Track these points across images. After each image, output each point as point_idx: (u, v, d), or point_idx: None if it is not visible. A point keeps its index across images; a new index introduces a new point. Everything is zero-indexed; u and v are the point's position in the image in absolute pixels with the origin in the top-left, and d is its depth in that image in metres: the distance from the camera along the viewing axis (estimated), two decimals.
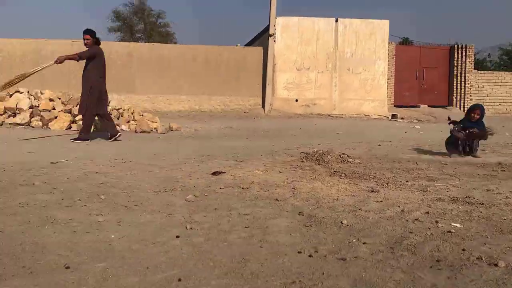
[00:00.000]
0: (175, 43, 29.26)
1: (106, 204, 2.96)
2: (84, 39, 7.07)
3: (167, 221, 2.65)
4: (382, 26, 17.33)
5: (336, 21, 17.18)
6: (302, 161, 5.06)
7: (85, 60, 7.07)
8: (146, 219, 2.67)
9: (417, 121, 15.39)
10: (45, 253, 2.07)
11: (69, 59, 7.11)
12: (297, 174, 4.26)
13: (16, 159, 4.89)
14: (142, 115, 10.05)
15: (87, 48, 7.07)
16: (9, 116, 9.01)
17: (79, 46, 15.45)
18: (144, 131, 8.92)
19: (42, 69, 7.49)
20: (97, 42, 7.15)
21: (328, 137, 8.79)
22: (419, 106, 18.43)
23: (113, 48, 16.07)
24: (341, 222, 2.70)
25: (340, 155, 5.31)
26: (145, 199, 3.13)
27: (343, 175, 4.27)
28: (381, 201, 3.27)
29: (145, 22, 31.22)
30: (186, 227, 2.53)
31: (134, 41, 25.81)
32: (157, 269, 1.95)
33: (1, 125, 8.75)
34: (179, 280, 1.84)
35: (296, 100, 17.07)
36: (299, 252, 2.19)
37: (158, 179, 3.83)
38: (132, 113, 9.93)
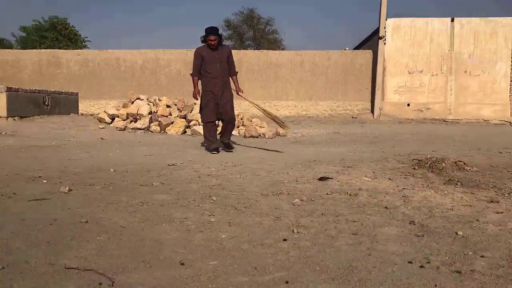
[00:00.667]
0: (283, 49, 29.74)
1: (217, 205, 3.11)
2: (211, 41, 6.21)
3: (274, 224, 2.70)
4: (504, 24, 15.84)
5: (452, 20, 16.12)
6: (414, 168, 4.81)
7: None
8: (254, 221, 2.74)
9: None
10: (162, 249, 2.23)
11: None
12: (408, 182, 4.07)
13: (138, 160, 5.35)
14: (251, 121, 10.37)
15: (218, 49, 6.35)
16: (131, 122, 9.89)
17: (192, 54, 16.50)
18: (252, 136, 9.20)
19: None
20: (221, 38, 6.45)
21: (443, 143, 8.25)
22: None
23: None
24: (456, 233, 2.51)
25: (455, 163, 4.95)
26: (254, 202, 3.22)
27: (459, 183, 3.97)
28: (502, 212, 2.98)
29: (254, 30, 32.22)
30: (293, 231, 2.55)
31: (244, 49, 26.77)
32: (265, 270, 2.00)
33: (124, 129, 9.63)
34: (286, 282, 1.86)
35: (408, 105, 16.31)
36: (410, 262, 2.09)
37: (265, 183, 3.92)
38: (242, 119, 10.29)
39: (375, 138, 9.50)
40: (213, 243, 2.34)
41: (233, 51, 19.19)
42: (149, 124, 9.73)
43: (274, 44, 31.69)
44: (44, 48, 22.07)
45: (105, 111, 10.58)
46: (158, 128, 9.56)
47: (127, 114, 9.98)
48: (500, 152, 6.59)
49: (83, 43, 29.28)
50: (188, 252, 2.20)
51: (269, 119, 7.44)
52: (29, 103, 9.83)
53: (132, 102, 10.33)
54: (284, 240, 2.40)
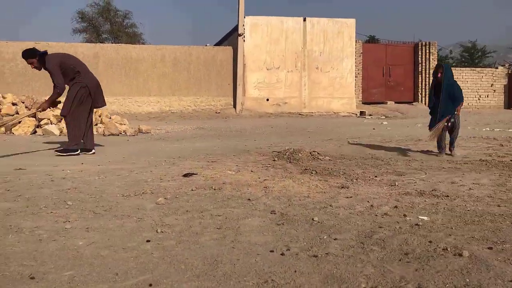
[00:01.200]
0: (143, 43, 28.85)
1: (73, 210, 2.89)
2: (30, 64, 5.78)
3: (137, 225, 2.61)
4: (349, 25, 17.58)
5: (304, 20, 17.33)
6: (274, 160, 5.07)
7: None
8: (115, 225, 2.61)
9: (384, 117, 15.67)
10: (8, 264, 2.00)
11: (51, 100, 5.90)
12: (269, 173, 4.27)
13: None
14: (110, 118, 9.88)
15: (45, 69, 5.76)
16: None
17: (42, 48, 15.08)
18: (112, 134, 8.76)
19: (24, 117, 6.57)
20: (42, 55, 5.79)
21: (299, 135, 8.85)
22: (386, 103, 18.81)
23: (78, 50, 15.74)
24: (313, 219, 2.71)
25: (310, 153, 5.35)
26: (114, 204, 3.06)
27: (314, 172, 4.30)
28: (351, 196, 3.31)
29: (112, 23, 30.65)
30: (157, 231, 2.49)
31: (100, 42, 25.30)
32: (127, 275, 1.91)
33: None
34: (150, 285, 1.81)
35: (267, 100, 17.12)
36: (271, 251, 2.19)
37: (127, 183, 3.76)
38: (100, 116, 9.74)
39: (238, 132, 9.79)
40: (69, 251, 2.17)
41: (89, 45, 18.01)
42: None
43: (134, 38, 30.53)
44: None
45: None
46: (3, 129, 8.54)
47: None
48: (348, 142, 7.31)
49: None
50: (39, 264, 2.00)
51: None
52: None
53: None
54: (148, 241, 2.33)
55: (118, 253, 2.16)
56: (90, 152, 5.85)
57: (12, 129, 8.51)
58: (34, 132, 8.63)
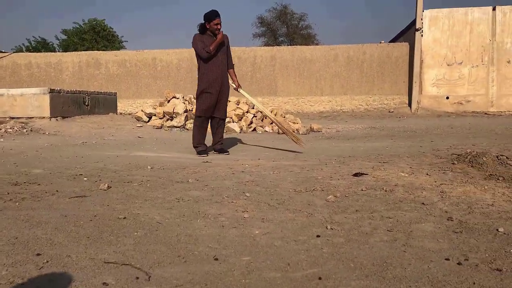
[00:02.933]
0: (317, 44, 29.48)
1: (251, 202, 3.13)
2: (218, 25, 5.56)
3: (308, 220, 2.70)
4: None
5: (494, 9, 15.50)
6: (453, 163, 4.68)
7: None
8: (287, 218, 2.75)
9: None
10: (197, 245, 2.27)
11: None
12: (447, 177, 3.96)
13: (173, 158, 5.45)
14: (284, 117, 10.35)
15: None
16: (167, 120, 10.08)
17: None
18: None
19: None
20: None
21: (484, 137, 7.97)
22: None
23: (257, 53, 16.88)
24: (497, 230, 2.43)
25: (497, 157, 4.77)
26: (287, 198, 3.22)
27: (500, 178, 3.83)
28: None
29: (288, 26, 32.08)
30: (326, 227, 2.54)
31: (277, 45, 26.71)
32: (298, 266, 2.00)
33: (161, 127, 9.83)
34: (319, 278, 1.86)
35: (447, 98, 15.85)
36: (447, 259, 2.04)
37: (299, 179, 3.91)
38: (275, 115, 10.29)
39: (413, 132, 9.29)
40: (247, 239, 2.36)
41: (266, 48, 19.16)
42: (185, 122, 9.88)
43: (308, 39, 31.45)
44: (84, 50, 22.76)
45: (142, 110, 10.82)
46: None
47: (164, 112, 10.16)
48: None
49: (121, 44, 29.99)
50: (222, 248, 2.23)
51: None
52: (70, 104, 10.17)
53: (168, 101, 10.51)
54: (318, 236, 2.39)
55: (290, 245, 2.28)
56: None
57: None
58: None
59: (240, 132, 9.30)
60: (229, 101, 10.27)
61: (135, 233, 2.45)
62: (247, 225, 2.60)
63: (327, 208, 2.96)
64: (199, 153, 5.80)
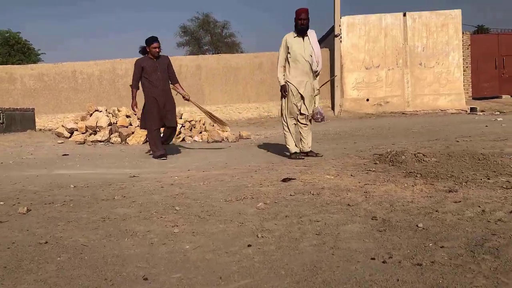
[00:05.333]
0: (241, 52, 29.81)
1: (180, 215, 3.07)
2: (155, 48, 6.41)
3: (239, 230, 2.70)
4: (454, 16, 16.47)
5: (404, 15, 16.61)
6: (375, 163, 4.92)
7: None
8: (219, 229, 2.73)
9: (499, 113, 14.38)
10: (124, 265, 2.19)
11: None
12: (370, 177, 4.15)
13: (98, 174, 5.23)
14: (213, 125, 10.32)
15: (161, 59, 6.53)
16: (90, 134, 9.66)
17: None
18: (215, 141, 9.17)
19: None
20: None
21: (402, 136, 8.48)
22: (500, 97, 17.25)
23: (183, 62, 16.73)
24: (417, 226, 2.58)
25: (415, 155, 5.09)
26: (218, 209, 3.20)
27: (418, 175, 4.09)
28: (460, 201, 3.09)
29: (211, 34, 32.14)
30: (257, 236, 2.56)
31: (202, 53, 26.67)
32: (230, 278, 1.99)
33: (84, 142, 9.41)
34: None
35: (367, 100, 16.67)
36: (373, 259, 2.13)
37: (229, 188, 3.91)
38: (204, 124, 10.24)
39: (337, 135, 9.66)
40: (177, 255, 2.32)
41: (191, 57, 18.98)
42: (109, 135, 9.53)
43: (232, 47, 31.73)
44: None
45: (63, 126, 10.28)
46: (119, 139, 9.38)
47: (86, 127, 9.74)
48: (457, 141, 6.83)
49: (37, 56, 28.40)
50: (151, 266, 2.17)
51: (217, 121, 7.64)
52: None
53: (91, 115, 10.09)
54: (249, 246, 2.40)
55: (221, 257, 2.26)
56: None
57: (127, 139, 9.30)
58: (146, 141, 9.34)
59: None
60: None
61: (58, 258, 2.31)
62: (177, 240, 2.55)
63: (257, 216, 2.98)
64: (159, 156, 6.41)
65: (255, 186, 3.95)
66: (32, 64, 19.08)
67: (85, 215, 3.20)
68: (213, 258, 2.25)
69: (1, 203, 3.74)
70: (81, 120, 10.11)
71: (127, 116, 9.92)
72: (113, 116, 9.98)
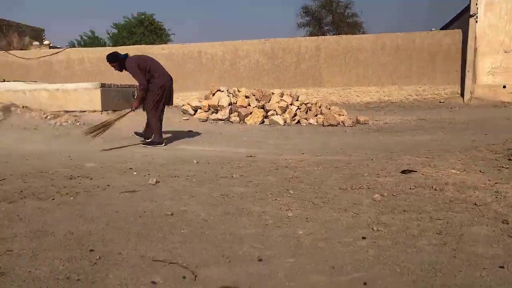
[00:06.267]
0: (363, 32, 28.77)
1: (295, 199, 3.12)
2: (112, 67, 6.58)
3: (353, 220, 2.66)
4: None
5: None
6: (509, 159, 4.45)
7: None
8: (332, 217, 2.72)
9: None
10: (241, 244, 2.29)
11: (139, 98, 6.50)
12: (502, 175, 3.77)
13: (219, 152, 5.52)
14: (329, 109, 10.21)
15: (126, 70, 6.55)
16: (212, 113, 10.20)
17: (271, 44, 16.53)
18: (331, 125, 9.07)
19: (122, 116, 6.74)
20: (123, 59, 6.51)
21: None
22: None
23: (301, 44, 16.71)
24: None
25: None
26: (332, 196, 3.19)
27: None
28: None
29: (333, 14, 31.50)
30: (372, 228, 2.50)
31: (322, 35, 26.33)
32: (343, 270, 1.98)
33: (206, 120, 9.96)
34: (365, 283, 1.83)
35: (504, 87, 15.07)
36: (501, 267, 1.95)
37: (344, 176, 3.85)
38: (320, 107, 10.17)
39: (465, 124, 8.92)
40: (291, 239, 2.36)
41: (311, 38, 18.78)
42: (229, 114, 9.96)
43: (354, 28, 30.73)
44: (132, 44, 23.36)
45: (188, 103, 11.00)
46: (238, 119, 9.76)
47: (209, 105, 10.29)
48: None
49: (168, 37, 30.53)
50: (266, 248, 2.24)
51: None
52: (120, 97, 10.49)
53: (213, 94, 10.62)
54: (363, 238, 2.35)
55: (334, 247, 2.25)
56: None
57: (245, 119, 9.64)
58: (262, 122, 9.59)
59: (284, 125, 9.28)
60: (273, 93, 10.25)
61: (182, 231, 2.51)
62: (291, 224, 2.60)
63: (373, 207, 2.90)
64: (158, 143, 6.45)
65: (371, 175, 3.84)
66: (163, 45, 20.59)
67: (206, 190, 3.41)
68: (326, 247, 2.25)
69: (135, 173, 4.15)
70: (205, 99, 10.71)
71: (246, 97, 10.25)
72: (233, 96, 10.39)
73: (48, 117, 8.78)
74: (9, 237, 2.36)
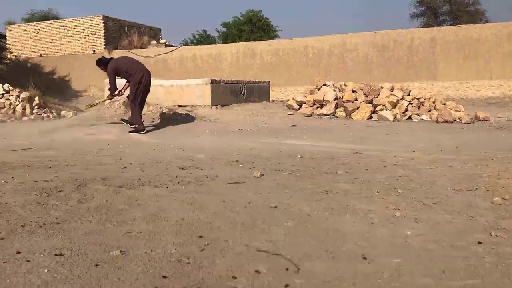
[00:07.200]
0: (486, 21, 26.40)
1: (403, 199, 2.98)
2: (102, 70, 7.76)
3: (468, 224, 2.47)
4: None
5: None
6: None
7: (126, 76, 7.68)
8: (444, 219, 2.55)
9: None
10: (344, 241, 2.25)
11: (109, 95, 7.90)
12: None
13: (323, 147, 5.47)
14: (444, 104, 9.58)
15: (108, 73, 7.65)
16: (317, 108, 10.14)
17: (381, 36, 15.93)
18: (446, 121, 8.50)
19: (100, 102, 9.04)
20: (107, 63, 7.61)
21: None
22: None
23: (414, 35, 15.89)
24: None
25: None
26: (444, 197, 2.99)
27: None
28: None
29: (451, 3, 29.34)
30: (490, 233, 2.29)
31: (437, 25, 24.72)
32: (454, 275, 1.85)
33: (311, 115, 9.94)
34: None
35: None
36: None
37: (459, 176, 3.59)
38: (433, 102, 9.58)
39: None
40: (397, 239, 2.26)
41: (426, 29, 17.86)
42: (335, 109, 9.83)
43: (475, 16, 28.30)
44: (241, 41, 24.14)
45: (293, 98, 11.07)
46: (344, 114, 9.59)
47: (314, 100, 10.26)
48: None
49: (275, 33, 30.98)
50: (370, 247, 2.18)
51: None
52: (228, 93, 10.92)
53: (319, 89, 10.56)
54: (479, 243, 2.17)
55: (445, 250, 2.11)
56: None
57: (351, 114, 9.44)
58: (370, 117, 9.30)
59: (393, 121, 8.91)
60: (382, 88, 9.86)
61: (286, 224, 2.54)
62: (399, 224, 2.49)
63: (492, 211, 2.66)
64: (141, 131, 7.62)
65: (491, 177, 3.53)
66: (270, 40, 20.96)
67: (310, 185, 3.41)
68: (436, 249, 2.12)
69: (240, 165, 4.29)
70: (310, 94, 10.69)
71: (353, 91, 10.03)
72: (339, 90, 10.23)
73: (164, 111, 9.44)
74: (129, 220, 2.59)
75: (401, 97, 9.52)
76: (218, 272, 1.89)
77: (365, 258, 2.03)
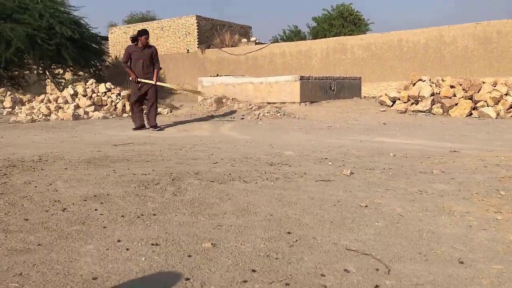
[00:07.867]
0: None
1: (506, 201, 2.77)
2: (141, 40, 7.86)
3: None
4: None
5: None
6: None
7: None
8: None
9: None
10: (439, 244, 2.16)
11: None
12: None
13: (417, 146, 5.24)
14: None
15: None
16: (412, 104, 9.70)
17: (483, 28, 14.83)
18: None
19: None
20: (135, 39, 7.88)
21: None
22: None
23: None
24: None
25: None
26: None
27: None
28: None
29: None
30: None
31: None
32: None
33: (405, 112, 9.53)
34: None
35: None
36: None
37: None
38: None
39: None
40: (498, 244, 2.12)
41: None
42: (431, 106, 9.34)
43: None
44: (331, 36, 23.81)
45: (386, 94, 10.71)
46: (441, 110, 9.07)
47: (408, 96, 9.83)
48: None
49: (367, 27, 30.12)
50: (468, 251, 2.06)
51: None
52: (317, 89, 10.86)
53: (414, 84, 10.10)
54: None
55: None
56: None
57: (449, 111, 8.90)
58: (470, 114, 8.71)
59: (496, 118, 8.25)
60: (483, 82, 9.17)
61: (376, 223, 2.49)
62: (500, 228, 2.33)
63: None
64: (134, 129, 7.93)
65: None
66: (361, 35, 20.41)
67: (403, 185, 3.30)
68: None
69: (330, 163, 4.26)
70: (404, 89, 10.27)
71: (451, 87, 9.45)
72: (436, 86, 9.70)
73: (253, 108, 9.65)
74: (220, 214, 2.71)
75: (505, 93, 8.78)
76: (306, 269, 1.91)
77: (461, 262, 1.93)
